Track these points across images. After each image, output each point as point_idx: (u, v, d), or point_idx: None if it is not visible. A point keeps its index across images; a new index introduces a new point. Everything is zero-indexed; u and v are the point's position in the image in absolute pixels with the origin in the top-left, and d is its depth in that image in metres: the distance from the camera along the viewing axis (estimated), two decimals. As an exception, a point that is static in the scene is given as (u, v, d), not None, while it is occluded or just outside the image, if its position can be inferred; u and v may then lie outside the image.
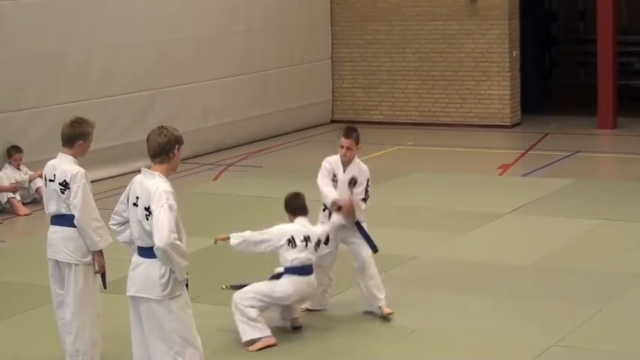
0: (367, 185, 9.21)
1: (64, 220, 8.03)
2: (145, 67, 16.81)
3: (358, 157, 9.32)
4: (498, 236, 12.19)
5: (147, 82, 16.86)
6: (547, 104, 21.70)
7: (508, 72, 19.61)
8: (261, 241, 8.87)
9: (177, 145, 6.92)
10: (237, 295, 8.76)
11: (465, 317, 9.30)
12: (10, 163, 14.40)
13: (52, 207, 8.10)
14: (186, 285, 6.93)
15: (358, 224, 9.22)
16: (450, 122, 20.05)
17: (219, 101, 18.32)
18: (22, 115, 14.96)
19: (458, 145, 18.21)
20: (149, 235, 6.75)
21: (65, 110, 14.66)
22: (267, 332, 8.64)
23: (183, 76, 17.54)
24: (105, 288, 8.23)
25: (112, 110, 16.20)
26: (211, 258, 11.39)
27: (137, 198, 6.87)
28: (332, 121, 20.90)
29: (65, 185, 7.95)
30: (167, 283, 6.78)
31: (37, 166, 13.39)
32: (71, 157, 8.05)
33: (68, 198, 7.95)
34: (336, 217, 9.11)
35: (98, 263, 8.06)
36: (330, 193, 9.11)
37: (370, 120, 20.58)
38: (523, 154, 17.27)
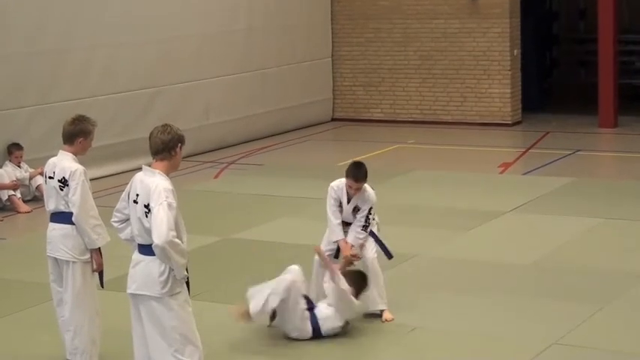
0: (369, 213, 9.19)
1: (62, 217, 8.03)
2: (147, 64, 16.82)
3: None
4: (499, 235, 12.18)
5: (148, 80, 16.86)
6: (548, 103, 21.71)
7: (509, 70, 19.61)
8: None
9: (179, 144, 6.93)
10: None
11: (465, 315, 9.30)
12: (10, 161, 14.41)
13: (51, 204, 8.10)
14: (187, 283, 6.94)
15: (371, 232, 9.26)
16: (451, 120, 20.05)
17: (220, 99, 18.32)
18: (24, 113, 14.95)
19: (459, 144, 18.21)
20: (149, 232, 6.76)
21: (66, 108, 14.67)
22: None
23: (184, 74, 17.54)
24: (102, 286, 8.22)
25: (114, 108, 16.20)
26: (211, 256, 11.41)
27: (137, 195, 6.88)
28: (333, 120, 20.90)
29: (64, 182, 7.95)
30: (167, 281, 6.79)
31: (38, 163, 13.39)
32: (71, 155, 8.05)
33: (67, 195, 7.95)
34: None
35: (96, 261, 8.05)
36: (336, 232, 9.16)
37: (371, 118, 20.59)
38: (524, 153, 17.27)
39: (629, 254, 11.11)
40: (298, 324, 8.69)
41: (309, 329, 8.71)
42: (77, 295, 8.02)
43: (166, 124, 6.99)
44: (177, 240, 6.70)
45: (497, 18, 19.53)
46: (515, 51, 19.72)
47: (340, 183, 9.23)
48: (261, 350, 8.60)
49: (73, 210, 7.92)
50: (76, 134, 8.05)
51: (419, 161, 16.75)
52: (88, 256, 8.03)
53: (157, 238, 6.64)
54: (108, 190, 13.93)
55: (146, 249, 6.84)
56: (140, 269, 6.89)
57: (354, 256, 9.11)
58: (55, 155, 8.15)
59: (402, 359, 8.45)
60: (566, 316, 9.14)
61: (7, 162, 14.39)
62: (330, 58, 20.95)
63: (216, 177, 16.08)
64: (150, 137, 6.94)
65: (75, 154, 8.08)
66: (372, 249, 9.25)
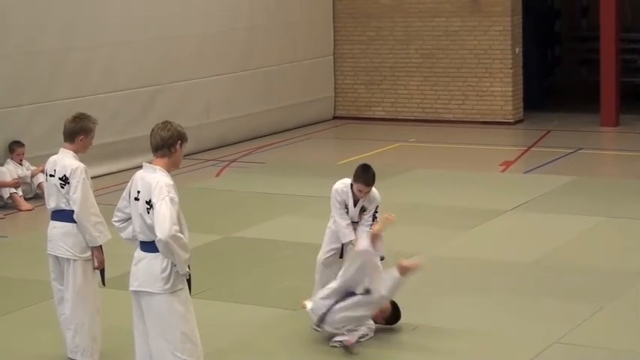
0: (375, 212, 9.19)
1: (63, 215, 8.02)
2: (147, 63, 16.81)
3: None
4: (500, 233, 12.18)
5: (149, 78, 16.85)
6: (549, 101, 21.68)
7: (510, 69, 19.60)
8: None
9: (179, 141, 6.91)
10: None
11: (465, 314, 9.29)
12: (12, 159, 14.40)
13: (52, 202, 8.10)
14: (189, 280, 6.93)
15: None
16: (453, 119, 20.04)
17: (221, 97, 18.31)
18: (25, 111, 14.95)
19: (460, 142, 18.19)
20: (151, 229, 6.75)
21: (67, 106, 14.67)
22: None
23: (185, 72, 17.53)
24: (104, 284, 8.21)
25: (114, 106, 16.19)
26: (213, 254, 11.40)
27: (138, 192, 6.87)
28: (334, 118, 20.89)
29: (65, 180, 7.95)
30: (169, 277, 6.78)
31: (40, 161, 13.39)
32: (72, 153, 8.05)
33: (68, 193, 7.95)
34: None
35: (97, 259, 8.05)
36: (347, 234, 9.11)
37: (372, 116, 20.58)
38: (525, 151, 17.26)
39: (631, 253, 11.10)
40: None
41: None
42: (78, 293, 8.02)
43: (167, 121, 6.97)
44: (180, 234, 6.68)
45: (498, 16, 19.52)
46: (517, 49, 19.70)
47: (344, 186, 9.17)
48: (261, 352, 8.59)
49: (74, 208, 7.92)
50: (77, 132, 8.05)
51: (420, 160, 16.74)
52: (88, 254, 8.03)
53: (161, 233, 6.62)
54: (108, 188, 13.94)
55: (148, 246, 6.83)
56: (142, 266, 6.88)
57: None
58: (56, 153, 8.15)
59: (403, 358, 8.45)
60: (567, 315, 9.13)
61: (8, 160, 14.39)
62: (332, 56, 20.94)
63: (217, 175, 16.08)
64: (151, 134, 6.94)
65: (76, 151, 8.08)
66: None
